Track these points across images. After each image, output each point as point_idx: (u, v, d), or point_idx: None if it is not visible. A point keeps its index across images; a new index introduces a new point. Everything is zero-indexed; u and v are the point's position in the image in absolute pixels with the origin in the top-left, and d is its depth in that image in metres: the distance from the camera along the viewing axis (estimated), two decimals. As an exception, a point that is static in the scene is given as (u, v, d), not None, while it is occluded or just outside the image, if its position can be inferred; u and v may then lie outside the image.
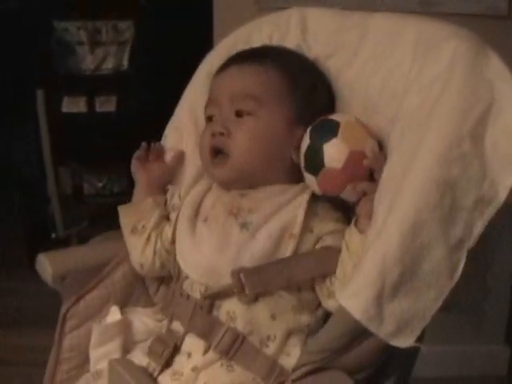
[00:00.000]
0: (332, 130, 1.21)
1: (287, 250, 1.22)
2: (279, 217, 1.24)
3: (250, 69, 1.30)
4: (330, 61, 1.37)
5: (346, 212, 1.29)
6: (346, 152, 1.19)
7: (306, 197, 1.25)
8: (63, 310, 1.38)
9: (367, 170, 1.20)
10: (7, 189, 3.54)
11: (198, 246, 1.27)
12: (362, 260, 1.10)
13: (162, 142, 1.50)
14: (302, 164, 1.25)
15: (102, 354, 1.32)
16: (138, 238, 1.38)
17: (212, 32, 2.10)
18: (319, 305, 1.25)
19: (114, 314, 1.37)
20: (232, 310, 1.21)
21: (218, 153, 1.29)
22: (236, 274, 1.20)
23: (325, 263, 1.22)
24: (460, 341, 2.25)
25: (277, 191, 1.28)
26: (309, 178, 1.24)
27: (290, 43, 1.42)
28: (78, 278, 1.40)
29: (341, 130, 1.20)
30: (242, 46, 1.45)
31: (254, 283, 1.20)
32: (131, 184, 3.29)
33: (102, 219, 3.23)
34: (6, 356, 2.55)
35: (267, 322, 1.21)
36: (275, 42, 1.44)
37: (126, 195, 3.24)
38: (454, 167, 1.08)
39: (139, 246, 1.38)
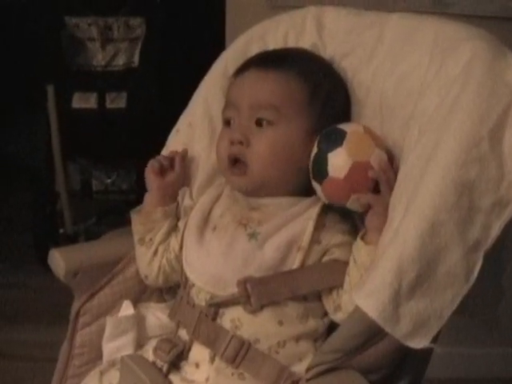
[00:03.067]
0: (338, 139, 1.21)
1: (295, 262, 1.22)
2: (288, 229, 1.24)
3: (271, 76, 1.28)
4: (346, 60, 1.37)
5: (356, 223, 1.30)
6: (350, 162, 1.19)
7: (316, 210, 1.25)
8: (76, 306, 1.38)
9: (372, 182, 1.20)
10: (16, 184, 3.56)
11: (206, 255, 1.27)
12: (378, 260, 1.09)
13: (172, 136, 1.49)
14: (310, 172, 1.25)
15: (114, 348, 1.33)
16: (146, 250, 1.38)
17: (224, 29, 2.10)
18: (326, 313, 1.25)
19: (126, 308, 1.38)
20: (237, 318, 1.22)
21: (236, 161, 1.29)
22: (242, 283, 1.20)
23: (331, 276, 1.22)
24: (473, 343, 2.26)
25: (288, 203, 1.28)
26: (315, 186, 1.25)
27: (306, 42, 1.42)
28: (90, 273, 1.40)
29: (346, 140, 1.21)
30: (257, 44, 1.45)
31: (260, 294, 1.20)
32: (140, 180, 3.29)
33: (110, 215, 3.24)
34: (15, 350, 2.55)
35: (274, 328, 1.21)
36: (291, 40, 1.44)
37: (134, 192, 3.28)
38: (472, 168, 1.08)
39: (146, 259, 1.38)
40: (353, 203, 1.21)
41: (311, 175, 1.25)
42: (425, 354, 1.20)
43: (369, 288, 1.07)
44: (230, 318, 1.22)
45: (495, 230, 1.08)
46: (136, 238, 1.40)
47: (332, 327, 1.24)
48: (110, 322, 1.34)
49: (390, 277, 1.06)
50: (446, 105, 1.14)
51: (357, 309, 1.08)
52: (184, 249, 1.32)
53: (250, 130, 1.27)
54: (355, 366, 1.10)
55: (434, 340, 1.08)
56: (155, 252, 1.37)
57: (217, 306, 1.23)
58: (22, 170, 3.40)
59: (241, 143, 1.27)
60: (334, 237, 1.25)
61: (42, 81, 2.96)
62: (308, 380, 1.10)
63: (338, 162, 1.20)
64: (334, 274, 1.22)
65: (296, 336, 1.21)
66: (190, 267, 1.29)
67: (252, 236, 1.24)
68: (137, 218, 1.40)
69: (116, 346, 1.33)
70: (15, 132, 3.32)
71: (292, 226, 1.24)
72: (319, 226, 1.25)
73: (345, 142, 1.20)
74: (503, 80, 1.12)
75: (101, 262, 1.41)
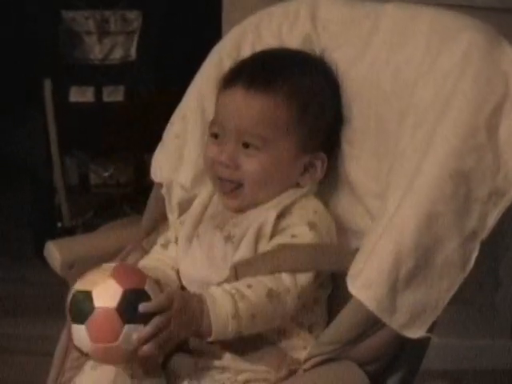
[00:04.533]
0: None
1: (262, 250, 1.23)
2: (256, 223, 1.24)
3: (258, 100, 1.26)
4: (340, 51, 1.36)
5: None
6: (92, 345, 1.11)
7: (284, 202, 1.26)
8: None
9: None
10: (13, 178, 3.55)
11: (192, 262, 1.29)
12: (373, 249, 1.10)
13: (167, 129, 1.49)
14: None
15: None
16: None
17: (220, 22, 2.10)
18: (315, 302, 1.25)
19: None
20: None
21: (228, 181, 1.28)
22: (233, 268, 1.21)
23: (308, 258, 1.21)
24: (470, 334, 2.26)
25: (265, 204, 1.28)
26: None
27: (300, 32, 1.41)
28: (87, 266, 1.37)
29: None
30: (251, 36, 1.44)
31: (243, 274, 1.20)
32: (137, 174, 3.31)
33: (108, 209, 3.24)
34: (14, 345, 2.56)
35: None
36: (285, 31, 1.43)
37: (132, 185, 3.28)
38: (468, 158, 1.09)
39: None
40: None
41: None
42: (421, 345, 1.20)
43: (366, 278, 1.08)
44: None
45: (492, 220, 1.09)
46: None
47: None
48: None
49: (387, 267, 1.07)
50: (442, 95, 1.14)
51: (354, 300, 1.09)
52: (178, 258, 1.34)
53: (238, 153, 1.26)
54: (352, 357, 1.11)
55: (430, 330, 1.09)
56: None
57: None
58: (20, 165, 3.40)
59: (229, 166, 1.26)
60: (298, 225, 1.24)
61: (39, 75, 2.96)
62: (306, 370, 1.11)
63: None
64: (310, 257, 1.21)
65: (295, 325, 1.22)
66: (182, 275, 1.32)
67: (228, 239, 1.26)
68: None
69: None
70: (13, 127, 3.32)
71: (259, 219, 1.24)
72: (285, 214, 1.25)
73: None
74: (499, 70, 1.13)
75: (97, 254, 1.41)
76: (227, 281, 1.20)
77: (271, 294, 1.16)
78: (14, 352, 2.51)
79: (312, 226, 1.23)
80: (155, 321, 1.09)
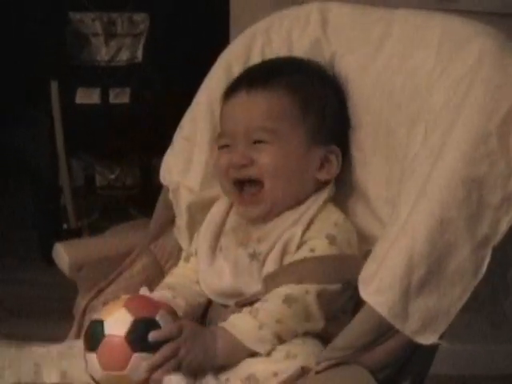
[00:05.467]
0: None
1: None
2: (282, 240, 1.24)
3: (259, 97, 1.28)
4: (350, 56, 1.36)
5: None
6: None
7: (308, 215, 1.26)
8: (83, 303, 1.38)
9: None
10: (20, 180, 3.56)
11: (218, 276, 1.29)
12: (385, 255, 1.10)
13: (177, 132, 1.49)
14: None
15: None
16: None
17: (228, 24, 2.09)
18: (343, 313, 1.25)
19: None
20: None
21: (243, 183, 1.28)
22: (264, 282, 1.22)
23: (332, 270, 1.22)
24: (479, 340, 2.25)
25: (287, 216, 1.28)
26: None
27: (310, 37, 1.41)
28: (95, 268, 1.41)
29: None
30: (261, 40, 1.44)
31: (271, 286, 1.21)
32: (143, 176, 3.31)
33: (113, 211, 3.25)
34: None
35: None
36: (295, 36, 1.43)
37: (138, 187, 3.28)
38: (481, 165, 1.08)
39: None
40: None
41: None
42: (430, 351, 1.20)
43: (378, 285, 1.08)
44: None
45: (504, 226, 1.09)
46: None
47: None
48: None
49: (400, 274, 1.07)
50: (454, 102, 1.14)
51: (367, 306, 1.09)
52: (198, 266, 1.34)
53: (250, 150, 1.27)
54: (364, 363, 1.10)
55: (441, 336, 1.09)
56: None
57: (245, 305, 1.23)
58: (26, 167, 3.40)
59: (243, 165, 1.26)
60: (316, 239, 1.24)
61: (46, 76, 2.96)
62: (317, 372, 1.10)
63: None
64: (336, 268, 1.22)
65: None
66: (206, 286, 1.32)
67: (253, 257, 1.26)
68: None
69: None
70: (18, 128, 3.32)
71: (285, 235, 1.25)
72: (309, 227, 1.25)
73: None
74: (510, 77, 1.12)
75: (106, 257, 1.42)
76: (259, 294, 1.21)
77: (289, 300, 1.17)
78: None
79: (331, 239, 1.23)
80: (164, 349, 1.11)
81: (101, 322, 1.13)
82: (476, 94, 1.12)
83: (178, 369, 1.12)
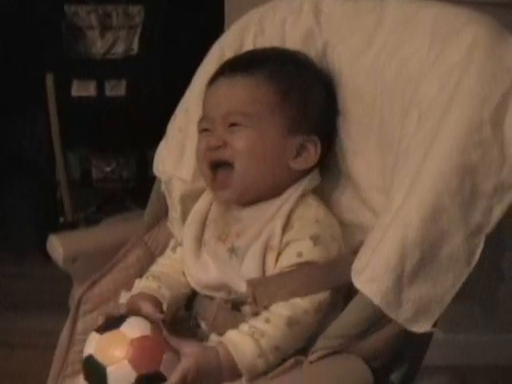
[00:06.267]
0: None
1: (271, 263, 1.23)
2: (262, 235, 1.24)
3: (239, 82, 1.29)
4: (343, 45, 1.36)
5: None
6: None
7: (285, 209, 1.26)
8: (78, 294, 1.39)
9: None
10: (16, 173, 3.57)
11: (203, 269, 1.30)
12: (378, 243, 1.10)
13: (171, 122, 1.49)
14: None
15: None
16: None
17: (223, 15, 2.09)
18: (333, 307, 1.24)
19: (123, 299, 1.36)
20: (254, 311, 1.23)
21: (217, 166, 1.29)
22: (249, 285, 1.22)
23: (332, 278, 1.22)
24: (473, 330, 2.27)
25: (264, 209, 1.28)
26: None
27: (303, 26, 1.41)
28: (89, 260, 1.41)
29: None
30: (254, 29, 1.44)
31: (260, 295, 1.21)
32: (140, 169, 3.31)
33: (110, 204, 3.25)
34: (17, 339, 2.57)
35: None
36: (288, 25, 1.42)
37: (134, 180, 3.28)
38: (474, 153, 1.08)
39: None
40: None
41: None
42: (424, 341, 1.22)
43: (371, 273, 1.08)
44: (247, 310, 1.24)
45: (497, 214, 1.09)
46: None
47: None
48: (123, 297, 1.33)
49: (393, 262, 1.07)
50: (447, 90, 1.14)
51: (360, 295, 1.09)
52: (184, 259, 1.34)
53: (226, 133, 1.27)
54: (358, 352, 1.11)
55: (434, 324, 1.09)
56: None
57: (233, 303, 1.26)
58: (22, 160, 3.41)
59: (219, 147, 1.27)
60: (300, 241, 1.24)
61: (41, 69, 2.96)
62: (312, 362, 1.11)
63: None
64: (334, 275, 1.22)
65: None
66: (192, 278, 1.32)
67: (232, 251, 1.26)
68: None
69: None
70: (14, 122, 3.33)
71: (265, 231, 1.24)
72: (289, 224, 1.25)
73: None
74: (504, 65, 1.12)
75: (100, 248, 1.42)
76: (246, 296, 1.22)
77: (291, 322, 1.18)
78: (16, 346, 2.52)
79: (315, 239, 1.23)
80: None
81: (102, 368, 1.12)
82: (469, 82, 1.11)
83: None
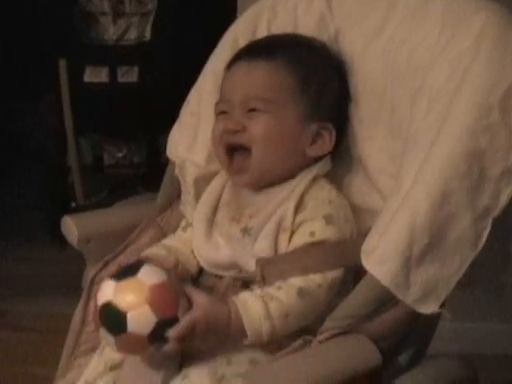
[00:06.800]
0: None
1: (283, 243, 1.24)
2: (275, 216, 1.25)
3: (261, 66, 1.30)
4: (354, 30, 1.37)
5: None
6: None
7: (299, 190, 1.27)
8: (91, 275, 1.40)
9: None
10: (27, 159, 3.57)
11: (214, 248, 1.31)
12: (388, 226, 1.11)
13: (184, 107, 1.50)
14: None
15: None
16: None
17: (236, 3, 2.10)
18: (343, 284, 1.25)
19: None
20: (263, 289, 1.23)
21: (233, 150, 1.30)
22: (258, 263, 1.23)
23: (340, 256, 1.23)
24: (480, 318, 2.26)
25: (277, 191, 1.29)
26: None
27: (315, 13, 1.41)
28: (103, 241, 1.42)
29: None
30: (267, 15, 1.45)
31: (269, 274, 1.22)
32: (151, 155, 3.32)
33: (121, 189, 3.26)
34: (26, 323, 2.58)
35: None
36: (300, 11, 1.43)
37: (145, 166, 3.28)
38: (482, 138, 1.10)
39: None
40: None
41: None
42: (431, 323, 1.23)
43: (380, 254, 1.10)
44: (259, 285, 1.24)
45: (504, 198, 1.11)
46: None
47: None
48: None
49: (402, 244, 1.09)
50: (456, 76, 1.15)
51: (369, 276, 1.11)
52: (194, 239, 1.35)
53: (244, 118, 1.28)
54: (366, 332, 1.13)
55: (442, 305, 1.11)
56: None
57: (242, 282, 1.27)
58: (34, 145, 3.41)
59: (236, 132, 1.28)
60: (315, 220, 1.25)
61: (54, 55, 2.97)
62: (320, 342, 1.12)
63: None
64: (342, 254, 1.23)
65: None
66: (202, 258, 1.33)
67: (245, 231, 1.27)
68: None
69: None
70: (27, 108, 3.34)
71: (278, 212, 1.26)
72: (299, 207, 1.26)
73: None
74: (511, 51, 1.14)
75: (114, 229, 1.44)
76: (254, 275, 1.23)
77: (302, 293, 1.18)
78: (27, 329, 2.53)
79: (328, 219, 1.24)
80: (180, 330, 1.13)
81: (122, 314, 1.12)
82: (478, 68, 1.13)
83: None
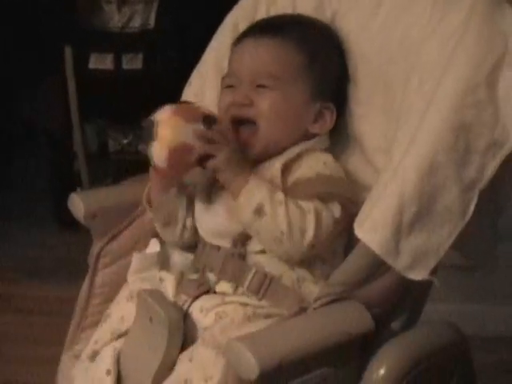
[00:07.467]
0: (150, 132, 1.24)
1: None
2: (266, 177, 1.28)
3: (269, 43, 1.33)
4: (351, 13, 1.40)
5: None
6: (165, 152, 1.23)
7: (290, 153, 1.30)
8: (97, 248, 1.43)
9: (195, 157, 1.23)
10: (33, 145, 3.59)
11: (214, 216, 1.34)
12: (379, 196, 1.16)
13: (185, 89, 1.54)
14: None
15: (138, 278, 1.36)
16: (174, 228, 1.41)
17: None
18: (333, 254, 1.29)
19: (153, 246, 1.42)
20: (260, 261, 1.27)
21: (239, 123, 1.32)
22: None
23: None
24: (475, 300, 2.29)
25: (273, 162, 1.31)
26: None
27: None
28: (109, 216, 1.45)
29: (157, 130, 1.23)
30: (265, 1, 1.49)
31: None
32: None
33: (126, 175, 3.27)
34: (34, 306, 2.63)
35: (292, 266, 1.26)
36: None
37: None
38: (469, 112, 1.14)
39: (177, 234, 1.41)
40: (192, 177, 1.30)
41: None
42: (422, 291, 1.28)
43: (372, 223, 1.14)
44: (254, 260, 1.28)
45: (490, 171, 1.15)
46: (159, 225, 1.42)
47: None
48: (136, 257, 1.38)
49: (391, 213, 1.13)
50: (445, 54, 1.19)
51: (361, 244, 1.15)
52: (195, 208, 1.38)
53: (252, 93, 1.31)
54: (360, 299, 1.17)
55: (433, 273, 1.15)
56: (184, 225, 1.40)
57: (242, 245, 1.29)
58: (40, 132, 3.43)
59: (244, 105, 1.31)
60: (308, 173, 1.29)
61: (60, 42, 3.00)
62: (315, 309, 1.16)
63: (157, 154, 1.24)
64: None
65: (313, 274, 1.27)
66: (201, 225, 1.37)
67: None
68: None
69: (139, 279, 1.36)
70: (33, 94, 3.35)
71: (267, 172, 1.29)
72: (292, 167, 1.30)
73: (156, 133, 1.23)
74: (499, 30, 1.17)
75: (119, 205, 1.46)
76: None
77: (298, 204, 1.23)
78: (34, 313, 2.58)
79: (322, 176, 1.28)
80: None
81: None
82: (466, 46, 1.17)
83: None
